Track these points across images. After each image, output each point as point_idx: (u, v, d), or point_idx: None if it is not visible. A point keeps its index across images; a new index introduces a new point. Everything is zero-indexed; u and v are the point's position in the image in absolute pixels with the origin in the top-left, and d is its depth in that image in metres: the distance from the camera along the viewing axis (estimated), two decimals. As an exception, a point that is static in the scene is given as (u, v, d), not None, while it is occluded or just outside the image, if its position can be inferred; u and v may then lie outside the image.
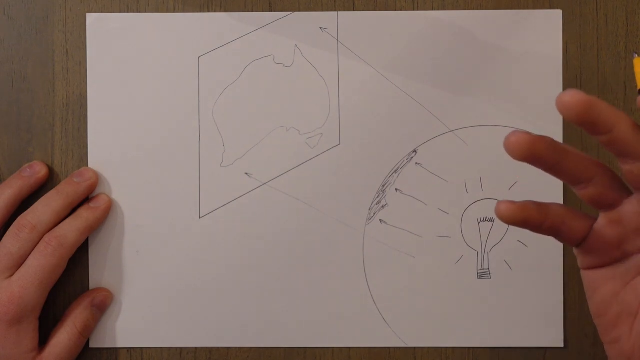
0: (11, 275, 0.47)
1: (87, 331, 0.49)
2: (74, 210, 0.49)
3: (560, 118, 0.50)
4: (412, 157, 0.50)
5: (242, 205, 0.50)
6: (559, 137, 0.50)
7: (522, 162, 0.36)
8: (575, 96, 0.34)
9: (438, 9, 0.50)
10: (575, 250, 0.39)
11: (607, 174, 0.37)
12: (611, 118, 0.34)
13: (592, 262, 0.38)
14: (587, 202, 0.37)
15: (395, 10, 0.50)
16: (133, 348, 0.51)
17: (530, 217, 0.37)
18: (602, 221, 0.38)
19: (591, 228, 0.38)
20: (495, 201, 0.50)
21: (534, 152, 0.35)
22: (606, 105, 0.34)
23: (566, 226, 0.37)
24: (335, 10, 0.50)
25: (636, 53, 0.40)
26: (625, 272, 0.38)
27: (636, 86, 0.37)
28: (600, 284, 0.38)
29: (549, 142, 0.36)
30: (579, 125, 0.35)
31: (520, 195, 0.49)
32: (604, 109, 0.34)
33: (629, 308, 0.37)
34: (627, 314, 0.37)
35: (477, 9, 0.50)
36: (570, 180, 0.37)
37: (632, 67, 0.50)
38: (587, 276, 0.39)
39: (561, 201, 0.50)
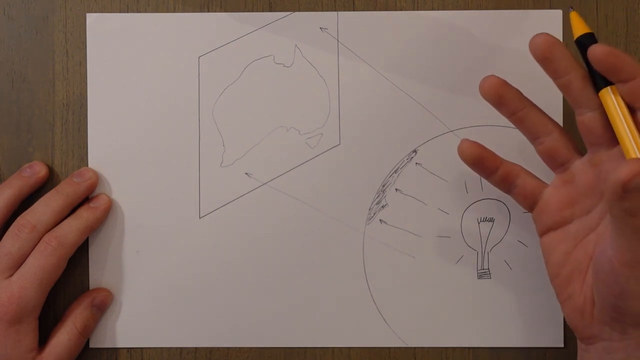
0: (11, 275, 0.47)
1: (87, 331, 0.49)
2: (74, 210, 0.49)
3: (560, 118, 0.50)
4: (412, 157, 0.50)
5: (242, 205, 0.50)
6: (559, 137, 0.50)
7: (491, 104, 0.43)
8: (544, 37, 0.40)
9: (438, 9, 0.50)
10: (532, 216, 0.44)
11: (562, 133, 0.43)
12: (568, 64, 0.40)
13: (547, 224, 0.42)
14: (543, 157, 0.43)
15: (395, 10, 0.50)
16: (133, 348, 0.51)
17: (486, 157, 0.44)
18: (556, 182, 0.43)
19: (542, 191, 0.43)
20: (496, 201, 0.50)
21: (502, 95, 0.42)
22: (567, 52, 0.40)
23: (521, 180, 0.43)
24: (335, 10, 0.50)
25: (572, 7, 0.44)
26: (575, 233, 0.42)
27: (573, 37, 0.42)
28: (555, 246, 0.42)
29: (516, 91, 0.43)
30: (542, 62, 0.41)
31: (520, 195, 0.49)
32: (564, 54, 0.40)
33: (579, 265, 0.41)
34: (578, 271, 0.41)
35: (477, 9, 0.50)
36: (530, 133, 0.43)
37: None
38: (544, 242, 0.43)
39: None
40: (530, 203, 0.44)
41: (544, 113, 0.43)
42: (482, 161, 0.44)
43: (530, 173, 0.44)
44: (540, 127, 0.43)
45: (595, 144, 0.41)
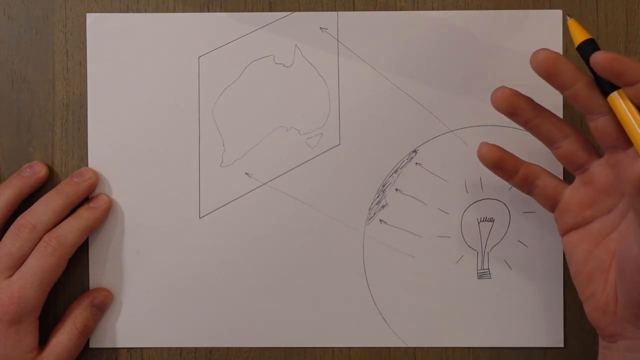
0: (11, 275, 0.47)
1: (87, 331, 0.49)
2: (74, 210, 0.49)
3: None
4: (412, 157, 0.50)
5: (242, 205, 0.50)
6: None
7: (504, 114, 0.43)
8: (545, 53, 0.41)
9: (438, 9, 0.50)
10: (554, 216, 0.44)
11: (579, 136, 0.43)
12: (572, 75, 0.40)
13: (568, 224, 0.43)
14: (562, 161, 0.43)
15: (395, 10, 0.50)
16: (133, 348, 0.51)
17: (506, 159, 0.44)
18: (576, 183, 0.43)
19: (563, 191, 0.43)
20: (496, 201, 0.50)
21: (515, 105, 0.42)
22: (569, 64, 0.41)
23: (541, 181, 0.44)
24: (335, 10, 0.50)
25: (568, 15, 0.44)
26: (597, 232, 0.42)
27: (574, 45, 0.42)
28: (577, 245, 0.42)
29: (528, 99, 0.43)
30: (546, 78, 0.41)
31: (521, 195, 0.49)
32: (567, 66, 0.40)
33: (602, 264, 0.42)
34: (600, 270, 0.42)
35: (477, 9, 0.50)
36: (546, 139, 0.43)
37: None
38: (566, 240, 0.43)
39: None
40: (551, 203, 0.44)
41: (558, 117, 0.43)
42: (502, 164, 0.44)
43: (550, 173, 0.44)
44: (556, 132, 0.43)
45: (610, 146, 0.41)
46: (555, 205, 0.44)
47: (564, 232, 0.44)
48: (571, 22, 0.42)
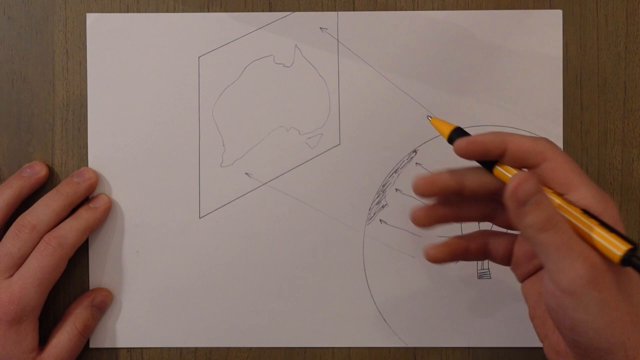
0: (11, 275, 0.47)
1: (87, 331, 0.49)
2: (74, 210, 0.49)
3: (560, 118, 0.50)
4: (412, 157, 0.50)
5: (242, 205, 0.50)
6: (559, 137, 0.50)
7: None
8: (419, 181, 0.41)
9: (438, 9, 0.50)
10: (510, 269, 0.43)
11: (502, 207, 0.40)
12: (456, 179, 0.41)
13: (522, 273, 0.43)
14: (505, 228, 0.43)
15: (395, 10, 0.50)
16: (133, 348, 0.51)
17: (455, 248, 0.43)
18: (520, 237, 0.43)
19: (513, 246, 0.43)
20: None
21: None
22: (442, 175, 0.41)
23: (492, 245, 0.43)
24: (335, 10, 0.50)
25: (429, 116, 0.44)
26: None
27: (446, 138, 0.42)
28: (530, 289, 0.42)
29: (443, 202, 0.42)
30: (438, 197, 0.42)
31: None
32: (444, 178, 0.41)
33: None
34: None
35: (477, 9, 0.50)
36: (481, 220, 0.43)
37: (631, 68, 0.50)
38: (523, 287, 0.43)
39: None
40: (506, 261, 0.44)
41: (479, 198, 0.42)
42: (453, 257, 0.43)
43: (496, 233, 0.44)
44: (486, 210, 0.43)
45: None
46: (509, 261, 0.43)
47: (521, 280, 0.43)
48: (433, 121, 0.42)
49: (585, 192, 0.38)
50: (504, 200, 0.37)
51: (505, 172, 0.39)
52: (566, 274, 0.36)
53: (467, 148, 0.39)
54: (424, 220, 0.43)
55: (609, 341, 0.36)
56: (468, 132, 0.40)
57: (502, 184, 0.39)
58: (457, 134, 0.40)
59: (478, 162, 0.41)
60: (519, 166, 0.39)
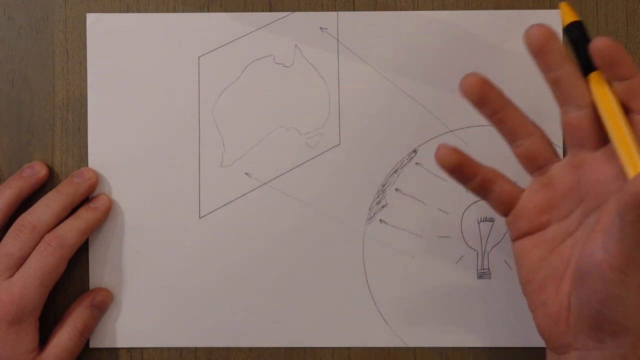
0: (11, 276, 0.47)
1: (87, 331, 0.49)
2: (74, 210, 0.49)
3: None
4: (412, 157, 0.50)
5: (242, 205, 0.50)
6: (559, 137, 0.50)
7: (472, 103, 0.41)
8: (540, 28, 0.39)
9: (438, 9, 0.50)
10: (506, 221, 0.42)
11: (543, 136, 0.41)
12: (561, 58, 0.39)
13: (522, 229, 0.41)
14: (522, 160, 0.42)
15: (395, 10, 0.50)
16: (133, 348, 0.51)
17: (465, 163, 0.41)
18: (534, 185, 0.41)
19: (519, 196, 0.41)
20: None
21: (484, 94, 0.41)
22: (561, 46, 0.39)
23: (497, 186, 0.42)
24: (335, 10, 0.50)
25: None
26: (552, 238, 0.40)
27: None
28: (529, 251, 0.41)
29: (498, 90, 0.41)
30: (536, 54, 0.40)
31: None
32: (559, 47, 0.39)
33: (555, 272, 0.40)
34: (553, 278, 0.40)
35: (477, 9, 0.50)
36: (509, 134, 0.42)
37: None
38: (517, 246, 0.42)
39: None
40: (505, 208, 0.42)
41: (524, 114, 0.42)
42: (461, 168, 0.42)
43: (506, 177, 0.42)
44: (520, 128, 0.41)
45: (578, 145, 0.40)
46: (509, 210, 0.42)
47: (517, 238, 0.42)
48: (563, 5, 0.41)
49: None
50: (627, 185, 0.35)
51: (602, 86, 0.39)
52: (630, 257, 0.35)
53: (609, 52, 0.38)
54: (474, 88, 0.40)
55: (633, 321, 0.37)
56: (586, 30, 0.40)
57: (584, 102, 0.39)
58: (578, 28, 0.40)
59: (579, 58, 0.40)
60: (626, 99, 0.38)
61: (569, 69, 0.39)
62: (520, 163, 0.42)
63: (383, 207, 0.51)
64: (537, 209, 0.41)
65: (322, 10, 0.50)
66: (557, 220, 0.41)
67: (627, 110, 0.39)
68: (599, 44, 0.38)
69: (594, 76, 0.40)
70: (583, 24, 0.41)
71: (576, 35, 0.40)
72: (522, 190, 0.42)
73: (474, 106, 0.42)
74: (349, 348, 0.51)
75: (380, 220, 0.51)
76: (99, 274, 0.51)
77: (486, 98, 0.41)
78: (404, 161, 0.51)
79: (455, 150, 0.42)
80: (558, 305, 0.40)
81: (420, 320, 0.50)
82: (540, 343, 0.50)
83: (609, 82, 0.39)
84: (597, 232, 0.37)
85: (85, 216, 0.49)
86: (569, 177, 0.40)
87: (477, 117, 0.50)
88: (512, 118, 0.41)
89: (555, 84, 0.40)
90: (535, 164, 0.41)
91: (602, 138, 0.39)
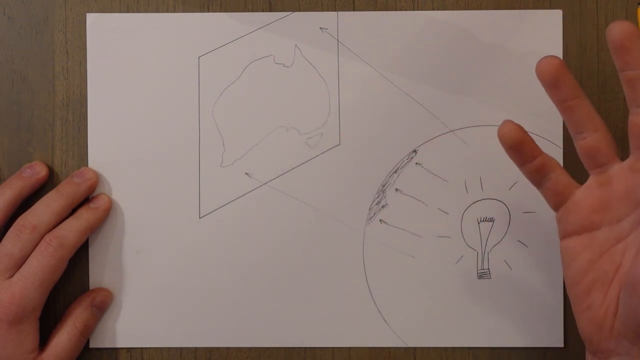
0: (12, 276, 0.47)
1: (87, 331, 0.49)
2: (74, 210, 0.49)
3: (561, 118, 0.50)
4: (412, 157, 0.50)
5: (242, 205, 0.50)
6: (558, 137, 0.50)
7: (544, 85, 0.40)
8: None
9: (438, 9, 0.50)
10: (557, 216, 0.41)
11: (608, 134, 0.40)
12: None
13: (573, 226, 0.40)
14: (584, 154, 0.40)
15: (395, 10, 0.50)
16: (133, 348, 0.51)
17: (527, 143, 0.41)
18: (591, 183, 0.40)
19: (574, 190, 0.41)
20: (495, 201, 0.50)
21: (560, 78, 0.40)
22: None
23: (555, 174, 0.41)
24: (335, 10, 0.50)
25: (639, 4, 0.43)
26: (603, 241, 0.40)
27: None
28: (578, 252, 0.40)
29: (573, 79, 0.40)
30: (550, 87, 0.40)
31: (521, 195, 0.49)
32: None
33: (604, 276, 0.39)
34: (602, 282, 0.39)
35: (477, 9, 0.50)
36: (576, 125, 0.40)
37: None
38: (566, 245, 0.41)
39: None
40: (559, 200, 0.41)
41: (593, 108, 0.41)
42: (522, 146, 0.41)
43: (565, 170, 0.42)
44: (587, 121, 0.40)
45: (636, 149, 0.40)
46: (562, 203, 0.41)
47: (566, 235, 0.41)
48: None
49: None
50: None
51: None
52: None
53: None
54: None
55: None
56: None
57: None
58: None
59: None
60: None
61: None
62: (580, 157, 0.41)
63: (383, 207, 0.51)
64: (591, 207, 0.40)
65: (322, 10, 0.50)
66: (610, 222, 0.40)
67: None
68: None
69: None
70: None
71: None
72: (578, 186, 0.41)
73: (547, 89, 0.41)
74: (349, 348, 0.51)
75: (380, 220, 0.51)
76: (99, 274, 0.51)
77: (560, 82, 0.40)
78: (404, 161, 0.51)
79: (519, 128, 0.41)
80: (604, 310, 0.39)
81: (420, 320, 0.50)
82: (540, 343, 0.51)
83: None
84: None
85: (85, 216, 0.49)
86: (628, 180, 0.39)
87: (477, 117, 0.50)
88: (581, 109, 0.40)
89: (630, 83, 0.39)
90: (596, 161, 0.40)
91: None
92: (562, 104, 0.41)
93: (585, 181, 0.42)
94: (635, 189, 0.39)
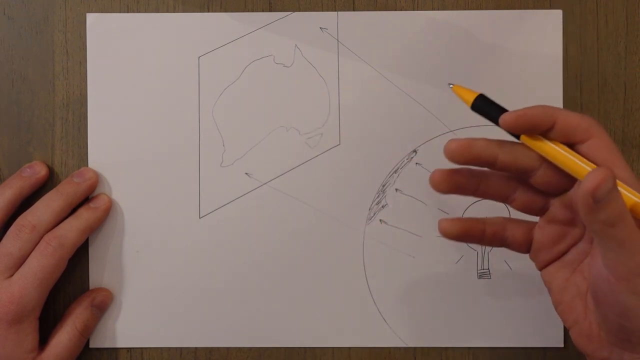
0: (11, 275, 0.47)
1: (87, 331, 0.50)
2: (74, 210, 0.49)
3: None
4: (412, 157, 0.50)
5: (242, 205, 0.50)
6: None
7: (447, 194, 0.41)
8: (454, 143, 0.40)
9: (438, 9, 0.50)
10: (530, 256, 0.43)
11: (527, 185, 0.41)
12: (492, 150, 0.40)
13: (545, 260, 0.42)
14: (521, 211, 0.42)
15: (395, 10, 0.50)
16: (133, 348, 0.51)
17: (471, 228, 0.42)
18: (542, 223, 0.42)
19: (532, 233, 0.42)
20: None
21: (455, 184, 0.41)
22: (483, 142, 0.40)
23: (510, 232, 0.42)
24: (335, 10, 0.50)
25: (451, 84, 0.42)
26: (572, 260, 0.42)
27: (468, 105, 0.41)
28: (554, 275, 0.42)
29: (465, 172, 0.41)
30: (468, 163, 0.40)
31: (520, 195, 0.49)
32: (482, 145, 0.40)
33: (579, 290, 0.41)
34: (579, 296, 0.41)
35: (477, 9, 0.50)
36: (499, 198, 0.42)
37: (631, 68, 0.50)
38: (544, 274, 0.43)
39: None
40: (525, 248, 0.43)
41: (501, 174, 0.42)
42: (467, 234, 0.42)
43: (515, 220, 0.43)
44: (505, 188, 0.42)
45: (558, 190, 0.41)
46: (528, 249, 0.43)
47: (542, 267, 0.43)
48: (455, 88, 0.41)
49: (625, 175, 0.38)
50: (577, 193, 0.36)
51: (554, 145, 0.39)
52: (625, 264, 0.36)
53: (516, 122, 0.39)
54: (442, 183, 0.41)
55: None
56: (492, 99, 0.40)
57: (536, 162, 0.39)
58: (481, 101, 0.40)
59: (513, 135, 0.40)
60: (564, 141, 0.39)
61: (504, 151, 0.40)
62: (521, 212, 0.42)
63: (383, 207, 0.51)
64: (551, 241, 0.42)
65: (322, 10, 0.50)
66: (572, 244, 0.42)
67: (570, 146, 0.39)
68: (507, 120, 0.39)
69: (523, 137, 0.40)
70: (484, 95, 0.40)
71: (485, 107, 0.40)
72: (533, 225, 0.42)
73: (453, 193, 0.42)
74: (349, 348, 0.51)
75: (380, 220, 0.51)
76: (99, 274, 0.51)
77: (458, 187, 0.41)
78: (404, 161, 0.51)
79: (456, 221, 0.42)
80: (588, 322, 0.40)
81: (420, 320, 0.50)
82: (540, 343, 0.51)
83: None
84: (595, 250, 0.38)
85: (85, 216, 0.49)
86: (566, 210, 0.41)
87: (477, 117, 0.50)
88: (492, 186, 0.42)
89: (505, 168, 0.40)
90: (534, 210, 0.42)
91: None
92: (474, 194, 0.42)
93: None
94: (575, 214, 0.41)
